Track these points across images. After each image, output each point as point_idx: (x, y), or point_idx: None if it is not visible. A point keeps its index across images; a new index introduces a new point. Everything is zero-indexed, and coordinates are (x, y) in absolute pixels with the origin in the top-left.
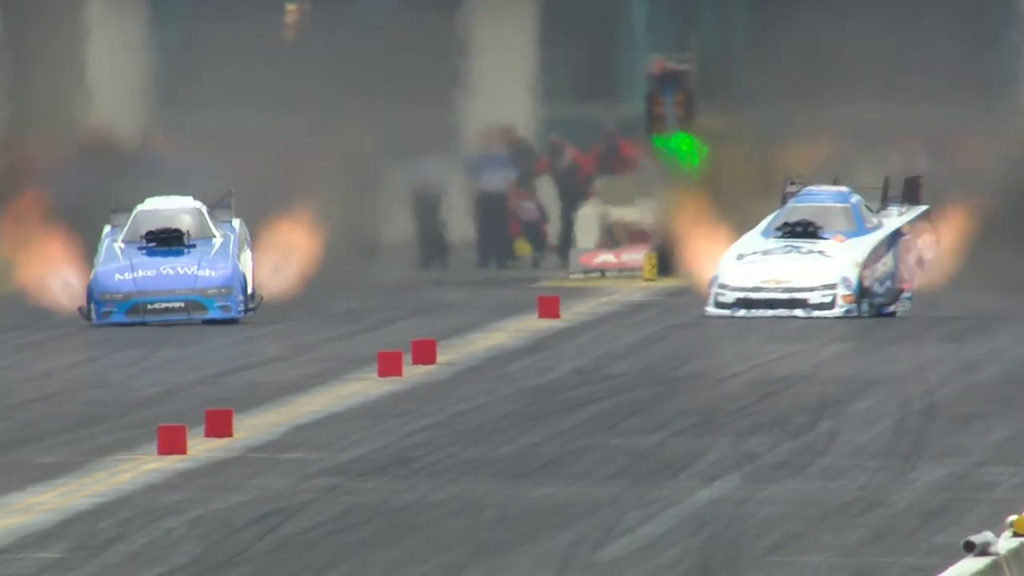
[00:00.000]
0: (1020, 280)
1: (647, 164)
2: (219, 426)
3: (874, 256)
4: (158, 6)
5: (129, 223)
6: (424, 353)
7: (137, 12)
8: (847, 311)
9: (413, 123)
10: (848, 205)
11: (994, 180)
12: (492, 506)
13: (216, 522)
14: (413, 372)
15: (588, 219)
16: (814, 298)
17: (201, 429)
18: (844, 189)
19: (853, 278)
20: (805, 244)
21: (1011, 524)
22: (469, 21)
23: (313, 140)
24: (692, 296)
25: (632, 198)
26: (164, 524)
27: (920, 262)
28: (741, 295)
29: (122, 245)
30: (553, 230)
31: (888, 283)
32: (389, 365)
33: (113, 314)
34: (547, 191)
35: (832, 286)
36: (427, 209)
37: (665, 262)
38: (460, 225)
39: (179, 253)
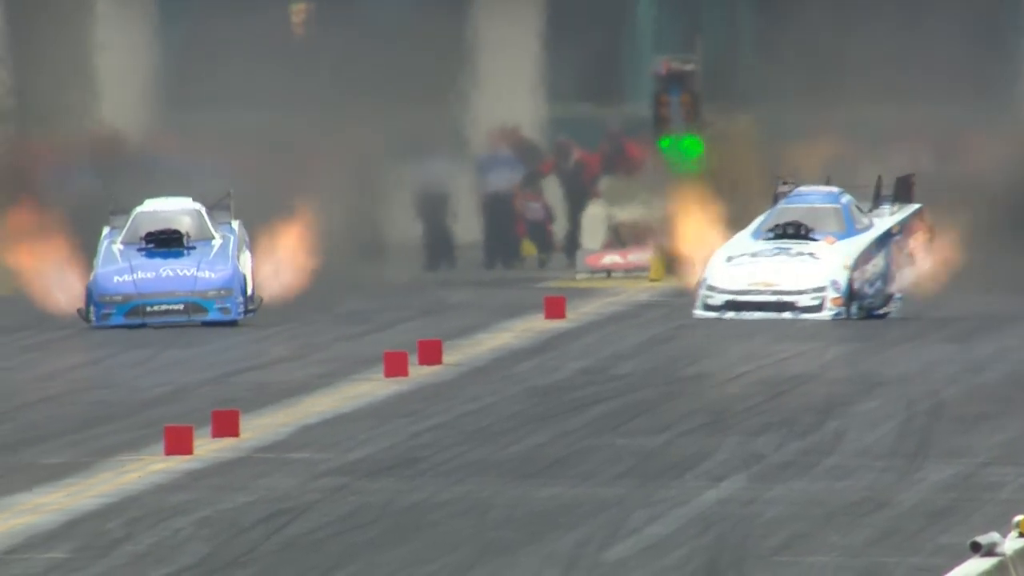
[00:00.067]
0: None
1: (653, 165)
2: (226, 426)
3: (864, 257)
4: (164, 6)
5: (128, 224)
6: (430, 353)
7: (143, 12)
8: (836, 314)
9: (419, 123)
10: (838, 206)
11: (999, 180)
12: (498, 506)
13: (223, 522)
14: (419, 372)
15: (594, 220)
16: (803, 301)
17: (208, 429)
18: (835, 190)
19: (842, 281)
20: (794, 246)
21: (1017, 524)
22: (475, 21)
23: (319, 140)
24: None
25: (638, 198)
26: (171, 524)
27: (912, 262)
28: (729, 297)
29: (121, 247)
30: (559, 231)
31: (879, 284)
32: (395, 365)
33: (112, 316)
34: (553, 191)
35: (821, 289)
36: (433, 209)
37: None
38: (466, 226)
39: (178, 255)
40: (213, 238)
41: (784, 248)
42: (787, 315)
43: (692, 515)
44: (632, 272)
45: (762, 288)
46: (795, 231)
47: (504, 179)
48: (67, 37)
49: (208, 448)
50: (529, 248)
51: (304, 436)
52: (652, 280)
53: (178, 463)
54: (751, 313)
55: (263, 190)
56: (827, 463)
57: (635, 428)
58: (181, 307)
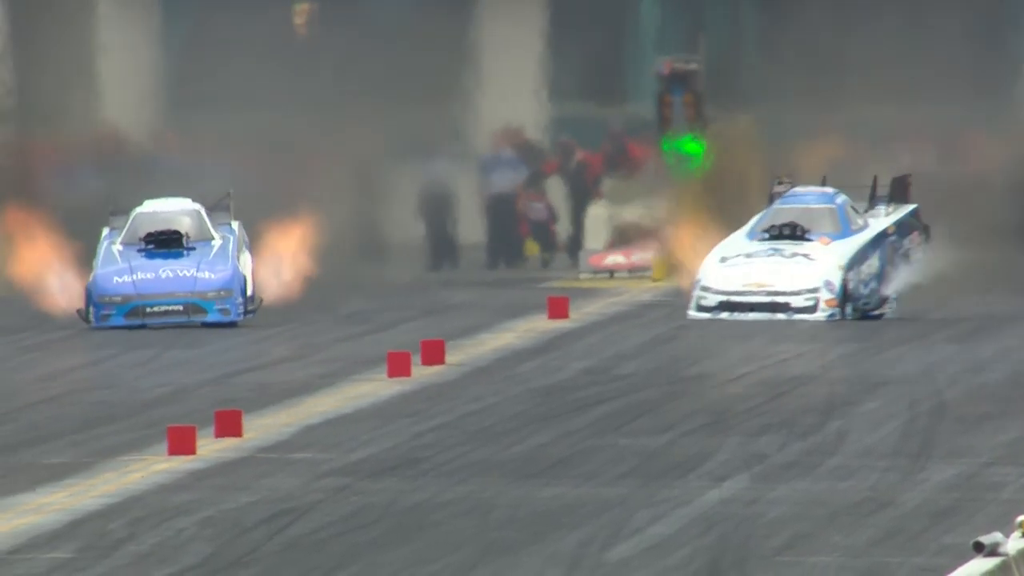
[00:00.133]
0: None
1: (655, 165)
2: (229, 426)
3: (859, 258)
4: (166, 6)
5: (128, 225)
6: (433, 354)
7: (146, 13)
8: (830, 315)
9: (422, 124)
10: (833, 206)
11: (1000, 180)
12: (501, 506)
13: (226, 522)
14: (422, 373)
15: (597, 220)
16: (796, 302)
17: (211, 430)
18: (830, 190)
19: (836, 282)
20: (789, 247)
21: (1020, 524)
22: (478, 21)
23: (322, 140)
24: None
25: (640, 199)
26: (174, 524)
27: (907, 262)
28: (723, 298)
29: (120, 247)
30: (562, 231)
31: (873, 285)
32: (398, 366)
33: (112, 317)
34: (556, 192)
35: (815, 290)
36: (436, 210)
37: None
38: (469, 226)
39: (178, 255)
40: (213, 239)
41: (778, 249)
42: (781, 316)
43: (695, 515)
44: (635, 272)
45: (756, 289)
46: (790, 232)
47: (507, 179)
48: (69, 37)
49: (211, 448)
50: (532, 248)
51: (307, 436)
52: (655, 280)
53: (181, 463)
54: (745, 314)
55: (266, 190)
56: (830, 463)
57: (638, 428)
58: (181, 308)
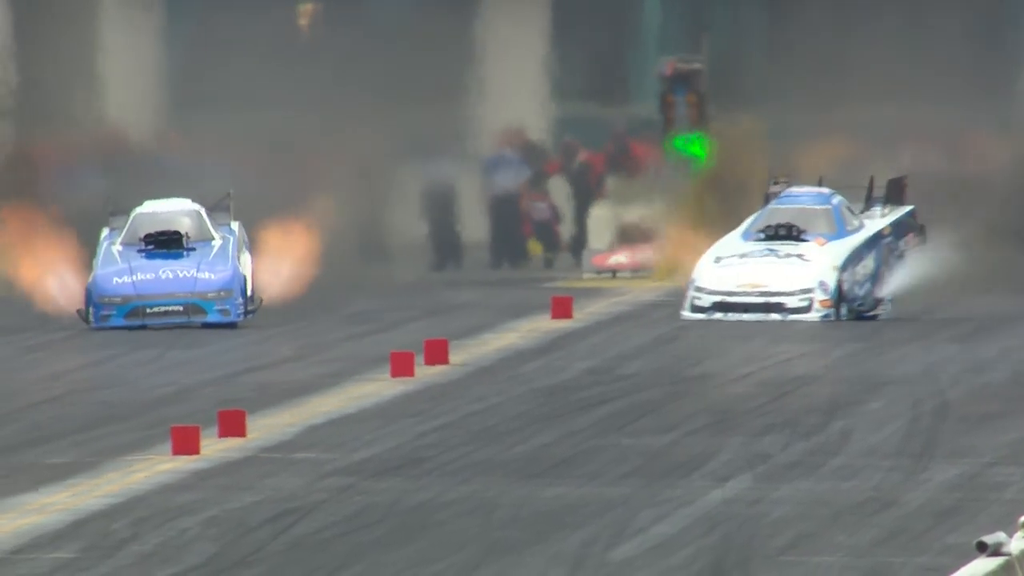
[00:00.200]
0: None
1: (658, 165)
2: (232, 426)
3: (854, 259)
4: (170, 7)
5: (127, 225)
6: (437, 353)
7: (149, 13)
8: (824, 316)
9: (426, 124)
10: (829, 207)
11: (1003, 179)
12: (504, 506)
13: (230, 522)
14: (426, 372)
15: (600, 220)
16: (791, 302)
17: (215, 429)
18: (825, 191)
19: (831, 282)
20: (784, 247)
21: (1023, 524)
22: (481, 22)
23: (326, 140)
24: None
25: (643, 199)
26: (178, 524)
27: (902, 264)
28: (717, 299)
29: (120, 248)
30: (566, 231)
31: (868, 286)
32: (402, 365)
33: (112, 317)
34: (560, 192)
35: (809, 290)
36: (440, 210)
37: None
38: (473, 226)
39: (178, 256)
40: (213, 239)
41: (773, 249)
42: (775, 317)
43: (698, 515)
44: (638, 272)
45: (750, 289)
46: (786, 232)
47: (510, 179)
48: (72, 37)
49: (215, 448)
50: (535, 248)
51: (310, 436)
52: (658, 280)
53: (185, 463)
54: (739, 314)
55: (270, 191)
56: (833, 463)
57: (641, 428)
58: (180, 308)
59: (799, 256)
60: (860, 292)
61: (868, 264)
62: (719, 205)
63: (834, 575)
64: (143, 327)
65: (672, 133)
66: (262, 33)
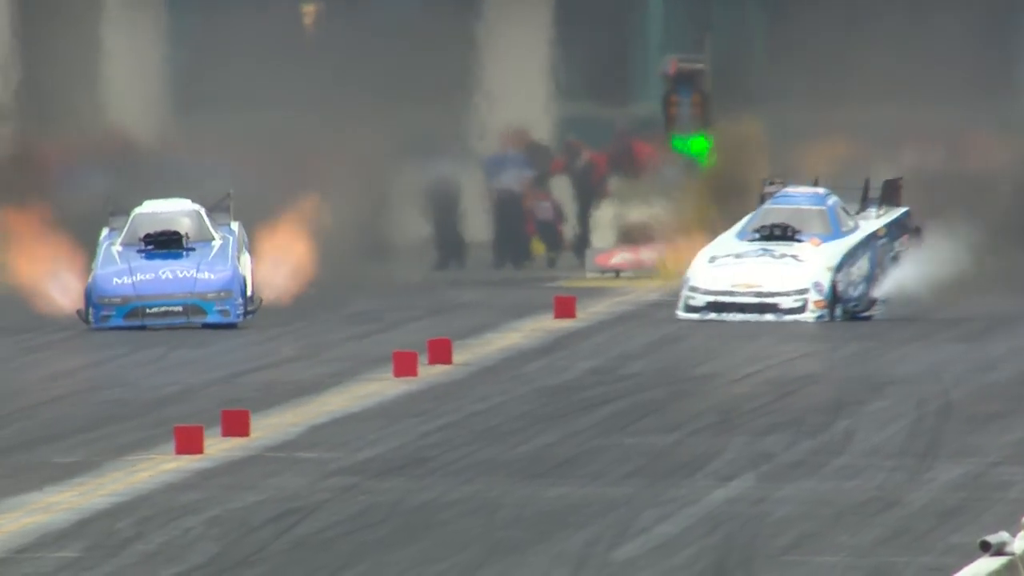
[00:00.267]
0: None
1: (662, 165)
2: (236, 426)
3: (849, 260)
4: (173, 7)
5: (127, 226)
6: (440, 353)
7: (152, 13)
8: (819, 316)
9: (429, 124)
10: (824, 208)
11: (1007, 180)
12: (508, 506)
13: (233, 521)
14: (429, 372)
15: (604, 219)
16: (785, 303)
17: (218, 429)
18: (821, 191)
19: (825, 283)
20: (779, 247)
21: None
22: (484, 21)
23: (329, 140)
24: None
25: (646, 198)
26: (181, 523)
27: (897, 265)
28: (711, 299)
29: (120, 248)
30: (569, 230)
31: (863, 287)
32: (405, 365)
33: (111, 318)
34: (563, 191)
35: (804, 291)
36: (443, 209)
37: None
38: (476, 225)
39: (178, 256)
40: (213, 239)
41: (768, 249)
42: (769, 317)
43: (701, 514)
44: (641, 272)
45: (744, 289)
46: (781, 232)
47: (514, 179)
48: (76, 37)
49: (218, 447)
50: (538, 248)
51: (314, 436)
52: (661, 280)
53: (188, 462)
54: (733, 315)
55: (272, 191)
56: (836, 463)
57: (644, 428)
58: (180, 309)
59: (794, 256)
60: (854, 293)
61: (863, 265)
62: (721, 205)
63: (837, 575)
64: (143, 327)
65: (675, 133)
66: (264, 33)
